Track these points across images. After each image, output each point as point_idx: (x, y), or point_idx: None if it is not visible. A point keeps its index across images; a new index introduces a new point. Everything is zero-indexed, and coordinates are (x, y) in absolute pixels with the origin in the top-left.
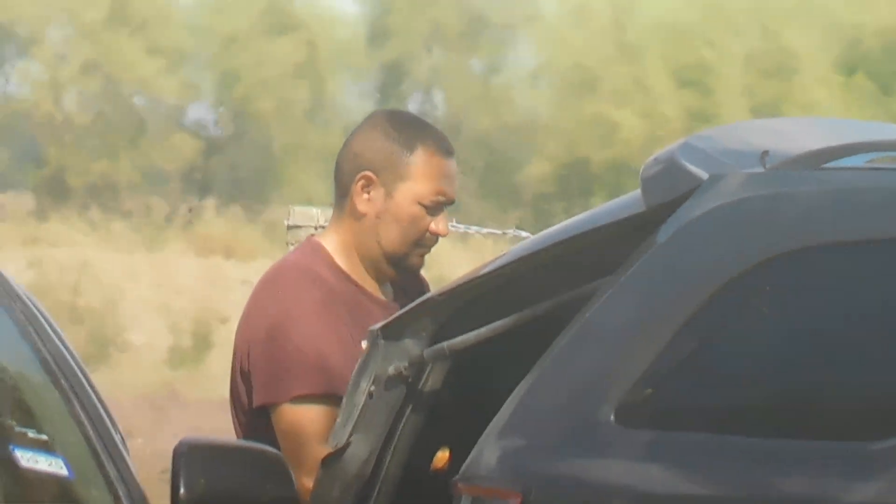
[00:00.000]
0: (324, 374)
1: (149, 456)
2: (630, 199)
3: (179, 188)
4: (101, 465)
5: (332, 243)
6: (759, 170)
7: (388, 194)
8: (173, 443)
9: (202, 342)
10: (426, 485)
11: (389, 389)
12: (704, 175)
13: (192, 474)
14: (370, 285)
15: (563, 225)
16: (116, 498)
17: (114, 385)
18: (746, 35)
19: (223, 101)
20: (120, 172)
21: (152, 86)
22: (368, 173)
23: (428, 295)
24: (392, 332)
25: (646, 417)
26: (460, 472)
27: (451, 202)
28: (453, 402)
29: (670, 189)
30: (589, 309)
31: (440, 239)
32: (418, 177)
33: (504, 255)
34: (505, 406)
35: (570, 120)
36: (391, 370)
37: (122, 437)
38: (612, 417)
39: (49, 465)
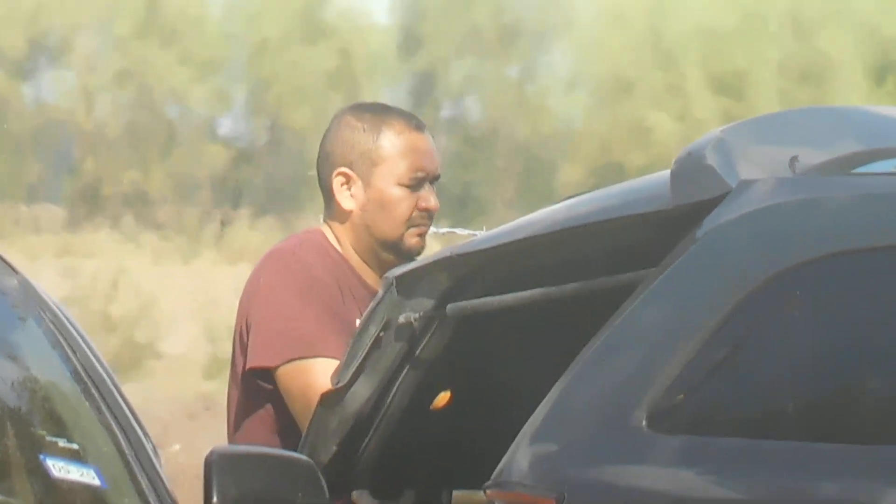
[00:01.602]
0: (317, 341)
1: (184, 465)
2: (657, 186)
3: (212, 198)
4: (132, 475)
5: (329, 234)
6: (789, 175)
7: (367, 184)
8: (207, 451)
9: None
10: (423, 424)
11: (398, 337)
12: (735, 180)
13: (224, 483)
14: (370, 277)
15: (589, 200)
16: None
17: (148, 394)
18: (781, 40)
19: (256, 111)
20: (152, 182)
21: (184, 95)
22: (343, 169)
23: (446, 251)
24: (406, 283)
25: (678, 422)
26: (491, 478)
27: (433, 177)
28: (461, 357)
29: (701, 191)
30: (619, 314)
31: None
32: (390, 158)
33: (527, 220)
34: (537, 412)
35: (604, 125)
36: (402, 319)
37: (153, 446)
38: (644, 423)
39: (81, 474)
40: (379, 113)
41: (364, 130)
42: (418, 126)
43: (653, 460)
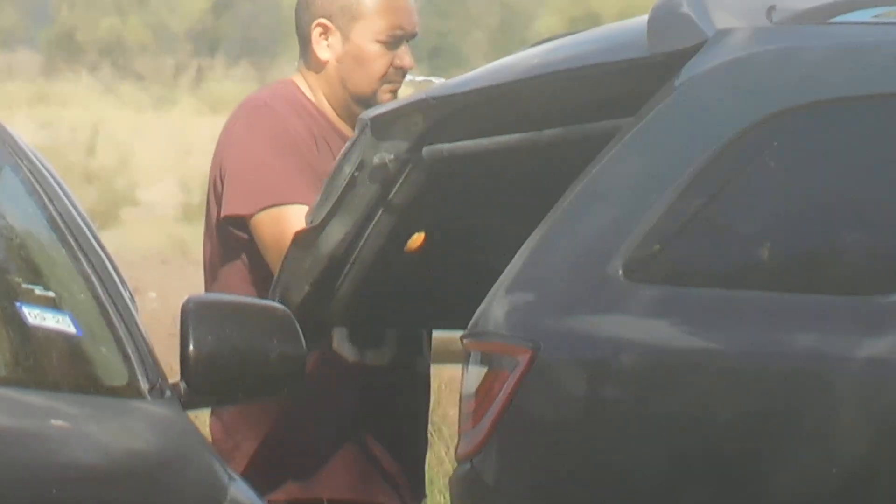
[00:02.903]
0: (291, 189)
1: (160, 312)
2: (634, 34)
3: (189, 47)
4: (109, 322)
5: (303, 84)
6: (766, 24)
7: (345, 37)
8: (184, 299)
9: None
10: (398, 266)
11: (372, 178)
12: (711, 30)
13: (200, 331)
14: (344, 127)
15: (566, 45)
16: (125, 355)
17: (125, 242)
18: None
19: None
20: (129, 31)
21: None
22: (323, 20)
23: (421, 94)
24: (381, 124)
25: (655, 273)
26: (468, 328)
27: (411, 35)
28: (436, 201)
29: (677, 40)
30: (596, 164)
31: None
32: (371, 14)
33: (503, 64)
34: (513, 262)
35: None
36: (376, 160)
37: (130, 295)
38: (620, 273)
39: (56, 321)
40: None
41: None
42: None
43: (629, 310)
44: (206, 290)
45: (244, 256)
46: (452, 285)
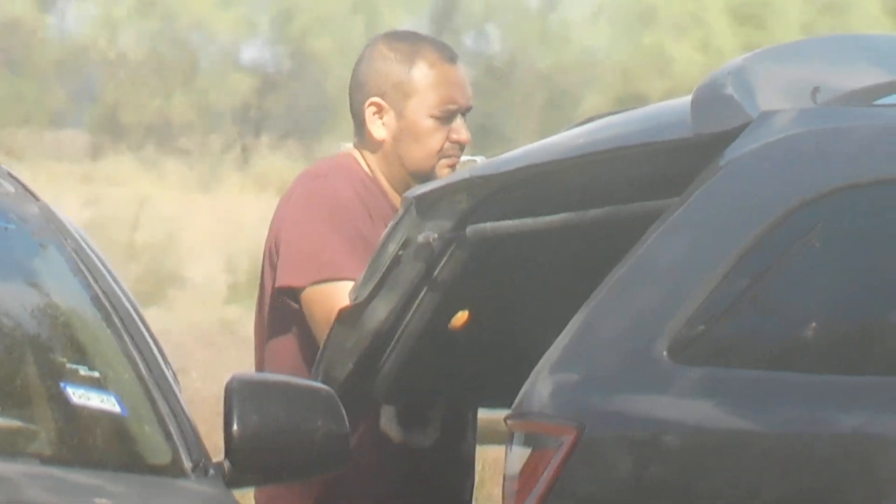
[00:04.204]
0: (345, 264)
1: (204, 392)
2: (678, 114)
3: (235, 126)
4: (152, 402)
5: (360, 159)
6: (811, 106)
7: (400, 115)
8: (228, 378)
9: (259, 278)
10: (442, 344)
11: (416, 256)
12: (755, 111)
13: (245, 410)
14: (399, 202)
15: (610, 125)
16: (168, 434)
17: (170, 322)
18: None
19: (279, 39)
20: (175, 111)
21: (208, 23)
22: (376, 99)
23: (466, 172)
24: (426, 203)
25: (700, 353)
26: (512, 409)
27: (465, 109)
28: (480, 279)
29: (722, 121)
30: (641, 244)
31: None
32: (424, 89)
33: (548, 143)
34: (557, 341)
35: (626, 54)
36: (421, 238)
37: (174, 374)
38: (665, 353)
39: (101, 401)
40: (412, 43)
41: (397, 61)
42: (451, 58)
43: (674, 391)
44: (256, 361)
45: (296, 329)
46: (496, 364)
